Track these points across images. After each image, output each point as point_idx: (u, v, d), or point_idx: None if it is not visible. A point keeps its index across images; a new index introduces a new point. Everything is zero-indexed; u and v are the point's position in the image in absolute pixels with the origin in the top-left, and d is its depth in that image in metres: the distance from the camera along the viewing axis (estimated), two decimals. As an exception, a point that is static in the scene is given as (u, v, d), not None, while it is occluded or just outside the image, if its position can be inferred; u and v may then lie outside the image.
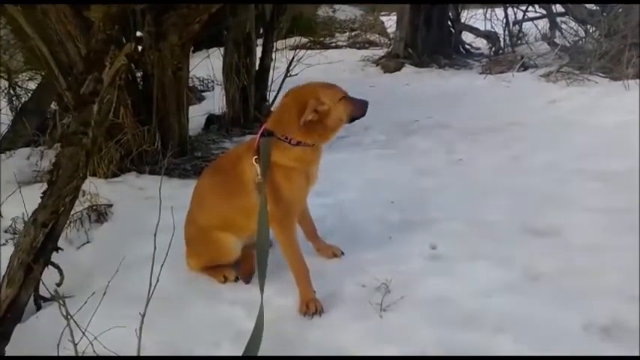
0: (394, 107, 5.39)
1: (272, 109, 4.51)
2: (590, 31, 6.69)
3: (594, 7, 6.80)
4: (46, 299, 2.16)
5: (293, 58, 5.08)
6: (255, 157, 2.07)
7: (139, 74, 3.83)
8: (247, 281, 2.23)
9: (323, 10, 10.83)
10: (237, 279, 2.26)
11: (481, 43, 8.49)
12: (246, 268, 2.27)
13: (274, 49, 5.02)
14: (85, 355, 1.68)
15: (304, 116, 2.00)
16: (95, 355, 1.68)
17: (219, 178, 2.26)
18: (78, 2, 3.05)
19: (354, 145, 4.29)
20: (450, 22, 8.12)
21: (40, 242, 1.94)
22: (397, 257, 2.37)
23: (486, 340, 1.81)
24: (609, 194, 2.85)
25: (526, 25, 8.13)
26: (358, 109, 2.15)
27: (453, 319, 1.92)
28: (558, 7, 7.51)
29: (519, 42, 7.91)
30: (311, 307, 1.99)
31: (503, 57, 7.32)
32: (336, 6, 11.13)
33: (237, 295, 2.15)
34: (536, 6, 7.85)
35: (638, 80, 4.91)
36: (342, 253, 2.42)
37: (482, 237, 2.51)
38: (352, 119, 2.16)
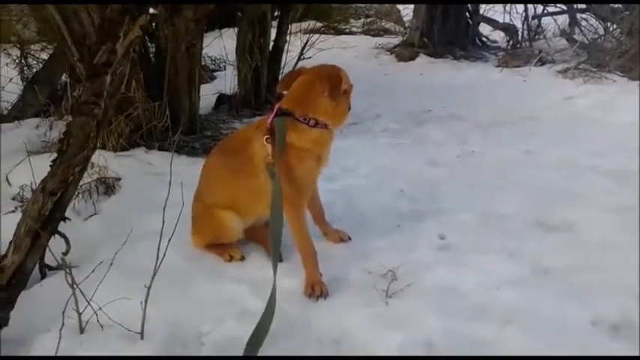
0: (407, 96, 5.32)
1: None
2: (611, 29, 6.55)
3: (616, 5, 6.65)
4: (51, 268, 2.16)
5: (307, 41, 5.02)
6: (267, 137, 2.04)
7: (152, 49, 3.79)
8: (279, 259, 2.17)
9: (339, -5, 10.66)
10: (242, 258, 2.25)
11: (498, 36, 8.33)
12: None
13: (289, 31, 4.95)
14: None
15: (341, 85, 2.02)
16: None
17: (227, 159, 2.25)
18: (88, 2, 3.02)
19: (365, 132, 4.25)
20: (467, 13, 7.97)
21: (48, 210, 1.93)
22: (405, 246, 2.35)
23: (493, 332, 1.79)
24: (622, 192, 2.81)
25: (545, 20, 7.96)
26: (349, 104, 2.20)
27: (459, 310, 1.90)
28: (579, 4, 7.35)
29: (537, 37, 7.77)
30: (316, 290, 1.99)
31: (520, 51, 7.19)
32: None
33: (242, 273, 2.15)
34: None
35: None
36: (350, 239, 2.40)
37: (493, 229, 2.49)
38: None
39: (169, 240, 1.80)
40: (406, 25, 8.95)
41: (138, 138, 3.54)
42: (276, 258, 1.88)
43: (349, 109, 2.20)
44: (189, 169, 2.79)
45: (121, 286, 1.84)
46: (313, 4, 8.32)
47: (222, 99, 4.84)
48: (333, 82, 2.03)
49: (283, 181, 2.00)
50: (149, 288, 1.72)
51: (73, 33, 3.26)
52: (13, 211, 2.55)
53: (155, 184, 2.85)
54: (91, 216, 2.68)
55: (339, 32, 8.85)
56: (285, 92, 2.15)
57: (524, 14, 7.77)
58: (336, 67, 2.12)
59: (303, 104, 2.05)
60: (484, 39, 8.26)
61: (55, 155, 2.02)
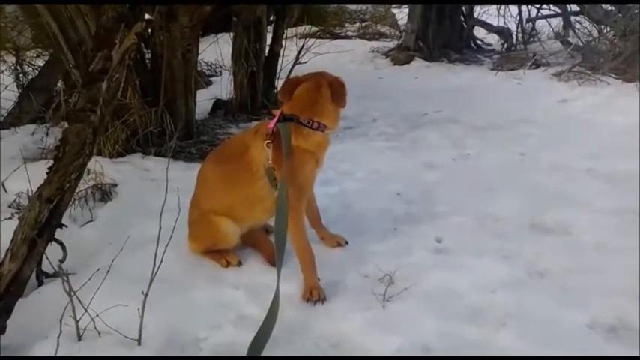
0: (402, 100, 5.35)
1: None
2: (605, 31, 6.60)
3: (610, 8, 6.70)
4: (48, 275, 2.16)
5: (303, 45, 5.03)
6: (267, 141, 2.06)
7: (148, 55, 3.80)
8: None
9: None
10: (239, 263, 2.25)
11: (492, 39, 8.39)
12: (268, 253, 2.26)
13: (284, 36, 4.97)
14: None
15: (344, 90, 2.14)
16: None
17: (224, 165, 2.25)
18: (86, 2, 3.02)
19: (361, 136, 4.26)
20: (462, 17, 8.01)
21: (44, 218, 1.92)
22: (402, 249, 2.36)
23: (489, 334, 1.81)
24: (617, 195, 2.82)
25: (539, 23, 8.01)
26: None
27: (456, 313, 1.91)
28: (573, 6, 7.40)
29: (532, 39, 7.81)
30: (314, 295, 1.99)
31: (515, 54, 7.23)
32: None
33: (239, 278, 2.15)
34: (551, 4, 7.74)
35: (637, 83, 4.86)
36: (347, 243, 2.41)
37: (489, 232, 2.51)
38: None
39: (166, 246, 1.80)
40: (401, 28, 8.99)
41: (134, 144, 3.55)
42: (281, 261, 1.87)
43: None
44: (185, 175, 2.78)
45: (118, 293, 1.84)
46: (309, 7, 8.34)
47: (218, 104, 4.85)
48: (334, 87, 2.12)
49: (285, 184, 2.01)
50: (146, 294, 1.73)
51: (69, 40, 3.27)
52: (10, 218, 2.54)
53: (152, 189, 2.85)
54: (87, 223, 2.68)
55: (335, 36, 8.87)
56: (285, 100, 2.18)
57: (518, 17, 7.82)
58: (329, 75, 2.19)
59: (309, 109, 2.10)
60: (479, 42, 8.31)
61: (51, 162, 2.02)
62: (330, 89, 2.12)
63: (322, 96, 2.12)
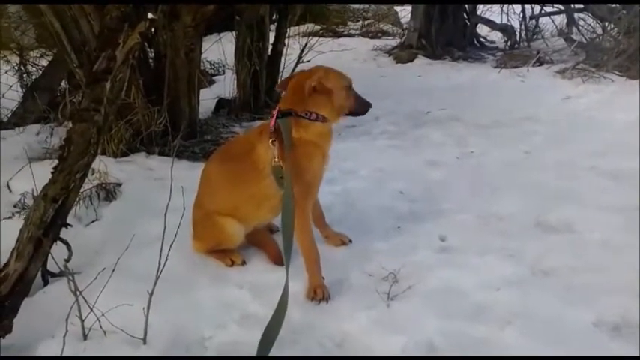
0: (405, 98, 5.34)
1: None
2: (608, 28, 6.57)
3: (614, 4, 6.66)
4: (53, 274, 2.17)
5: (306, 44, 5.03)
6: (272, 139, 2.06)
7: (151, 54, 3.81)
8: (281, 264, 2.14)
9: (336, -2, 10.65)
10: (244, 262, 2.26)
11: (496, 37, 8.36)
12: (273, 252, 2.27)
13: (287, 35, 4.97)
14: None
15: (309, 81, 2.05)
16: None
17: (229, 165, 2.25)
18: (90, 2, 3.03)
19: (364, 134, 4.26)
20: (465, 15, 7.99)
21: (49, 217, 1.93)
22: (405, 248, 2.36)
23: (493, 333, 1.80)
24: (622, 192, 2.82)
25: (543, 20, 7.99)
26: (360, 105, 2.21)
27: (460, 311, 1.91)
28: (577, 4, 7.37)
29: (535, 37, 7.79)
30: (319, 293, 1.99)
31: (518, 51, 7.21)
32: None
33: (244, 277, 2.15)
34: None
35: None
36: (350, 241, 2.41)
37: (493, 230, 2.50)
38: (351, 113, 2.21)
39: (171, 245, 1.81)
40: (404, 26, 8.97)
41: (138, 143, 3.56)
42: (289, 257, 1.87)
43: (349, 113, 2.20)
44: (189, 174, 2.78)
45: (123, 292, 1.85)
46: (312, 6, 8.33)
47: (221, 103, 4.85)
48: (293, 85, 2.12)
49: (292, 182, 2.01)
50: (151, 293, 1.73)
51: (73, 40, 3.27)
52: (10, 218, 2.56)
53: (156, 189, 2.86)
54: (92, 222, 2.69)
55: (338, 35, 8.87)
56: (283, 92, 2.19)
57: (521, 15, 7.79)
58: (318, 68, 2.15)
59: (302, 102, 2.09)
60: (482, 40, 8.29)
61: (56, 162, 2.02)
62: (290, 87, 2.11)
63: (301, 87, 2.09)
